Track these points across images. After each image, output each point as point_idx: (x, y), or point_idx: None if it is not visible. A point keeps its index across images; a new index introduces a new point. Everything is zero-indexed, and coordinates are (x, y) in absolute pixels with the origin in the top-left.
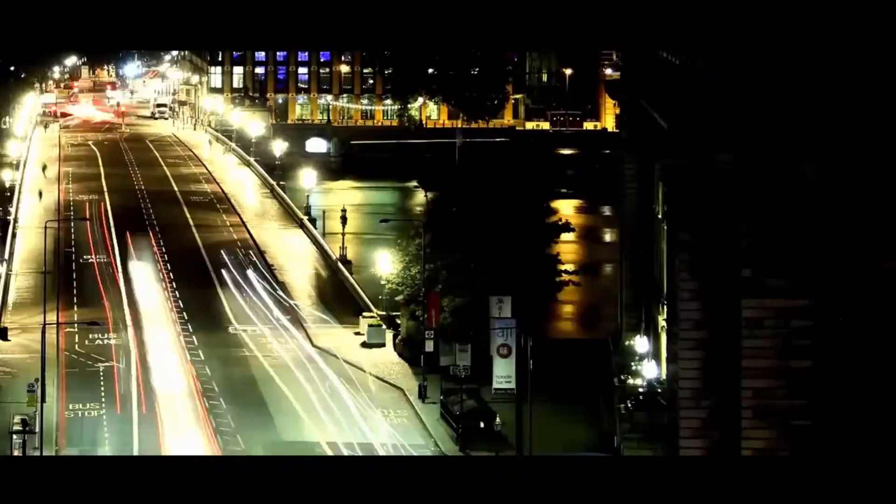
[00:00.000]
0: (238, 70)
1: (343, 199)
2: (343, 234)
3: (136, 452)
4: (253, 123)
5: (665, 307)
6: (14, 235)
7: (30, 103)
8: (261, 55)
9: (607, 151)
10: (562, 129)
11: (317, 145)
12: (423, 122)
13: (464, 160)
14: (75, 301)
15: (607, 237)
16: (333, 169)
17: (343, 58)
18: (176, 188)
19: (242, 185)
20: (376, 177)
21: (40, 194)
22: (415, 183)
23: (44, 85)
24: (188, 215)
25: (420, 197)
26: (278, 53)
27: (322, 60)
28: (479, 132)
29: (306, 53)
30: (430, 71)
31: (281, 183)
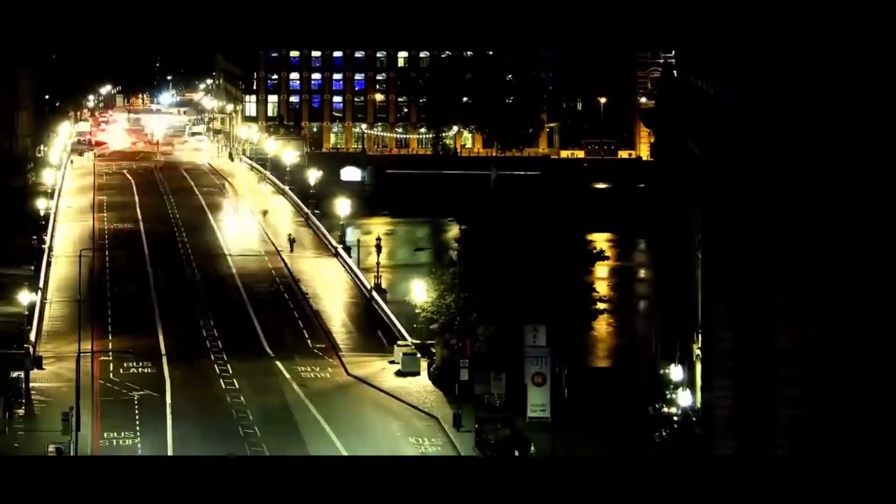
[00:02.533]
0: (272, 98)
1: (378, 229)
2: (377, 263)
3: None
4: (287, 152)
5: (700, 336)
6: (49, 264)
7: (64, 132)
8: (295, 83)
9: (642, 185)
10: (597, 158)
11: (351, 174)
12: (458, 150)
13: (498, 192)
14: (110, 329)
15: (642, 267)
16: (368, 197)
17: (378, 86)
18: (210, 216)
19: (277, 214)
20: (411, 209)
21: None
22: (450, 218)
23: (78, 114)
24: (223, 243)
25: (455, 230)
26: (313, 81)
27: (357, 89)
28: (513, 161)
29: (341, 82)
30: (465, 99)
31: (316, 211)
